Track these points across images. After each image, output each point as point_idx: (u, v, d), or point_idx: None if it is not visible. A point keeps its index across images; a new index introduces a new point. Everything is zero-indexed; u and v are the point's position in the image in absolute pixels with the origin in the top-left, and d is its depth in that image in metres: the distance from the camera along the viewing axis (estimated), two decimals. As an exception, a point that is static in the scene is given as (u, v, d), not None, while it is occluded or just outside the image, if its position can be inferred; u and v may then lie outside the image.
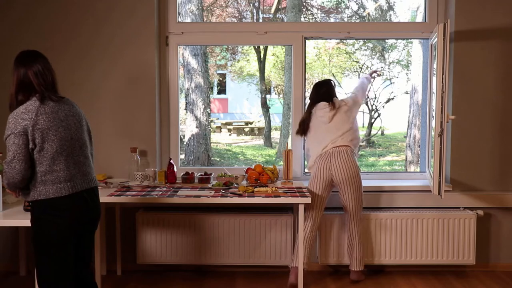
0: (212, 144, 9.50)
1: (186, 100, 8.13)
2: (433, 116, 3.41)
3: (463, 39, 3.48)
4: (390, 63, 10.65)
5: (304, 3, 9.26)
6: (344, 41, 10.17)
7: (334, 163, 3.21)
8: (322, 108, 3.32)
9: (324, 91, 3.39)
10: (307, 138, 3.44)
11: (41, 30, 3.50)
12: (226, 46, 11.60)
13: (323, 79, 3.76)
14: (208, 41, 4.02)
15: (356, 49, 10.97)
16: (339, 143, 3.24)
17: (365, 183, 3.42)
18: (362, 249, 3.35)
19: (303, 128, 3.42)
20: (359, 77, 10.92)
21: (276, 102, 12.87)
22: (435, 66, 3.36)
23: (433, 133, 3.32)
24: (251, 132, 12.65)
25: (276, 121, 12.56)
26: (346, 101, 3.37)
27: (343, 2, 10.02)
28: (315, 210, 3.29)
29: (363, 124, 11.23)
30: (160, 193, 3.06)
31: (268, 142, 10.93)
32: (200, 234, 3.45)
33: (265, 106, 10.94)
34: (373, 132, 10.97)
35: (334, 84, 3.46)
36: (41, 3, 3.49)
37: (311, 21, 9.62)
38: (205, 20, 8.46)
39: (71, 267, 2.19)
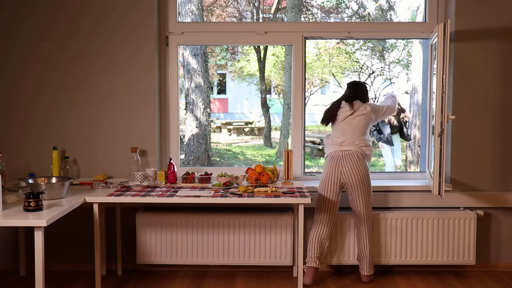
0: (212, 144, 9.50)
1: (186, 100, 8.14)
2: (433, 116, 3.41)
3: (463, 39, 3.48)
4: (390, 63, 10.65)
5: (304, 3, 9.27)
6: (344, 41, 10.17)
7: (345, 165, 3.23)
8: (342, 106, 3.35)
9: (359, 91, 3.39)
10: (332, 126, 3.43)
11: (41, 30, 3.51)
12: (226, 46, 11.61)
13: (358, 80, 3.75)
14: (208, 41, 4.02)
15: (356, 49, 10.98)
16: (348, 147, 3.26)
17: (365, 183, 3.41)
18: (373, 253, 3.37)
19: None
20: (359, 76, 10.93)
21: (276, 102, 12.88)
22: (435, 66, 3.36)
23: (433, 133, 3.32)
24: (251, 132, 12.66)
25: (276, 121, 12.57)
26: (373, 106, 3.35)
27: (343, 2, 10.03)
28: (328, 213, 3.29)
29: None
30: (160, 193, 3.06)
31: (268, 142, 10.94)
32: (200, 234, 3.45)
33: (265, 106, 10.95)
34: (373, 132, 10.96)
35: (367, 90, 3.47)
36: (41, 3, 3.49)
37: (311, 21, 9.63)
38: (205, 20, 8.46)
39: None
